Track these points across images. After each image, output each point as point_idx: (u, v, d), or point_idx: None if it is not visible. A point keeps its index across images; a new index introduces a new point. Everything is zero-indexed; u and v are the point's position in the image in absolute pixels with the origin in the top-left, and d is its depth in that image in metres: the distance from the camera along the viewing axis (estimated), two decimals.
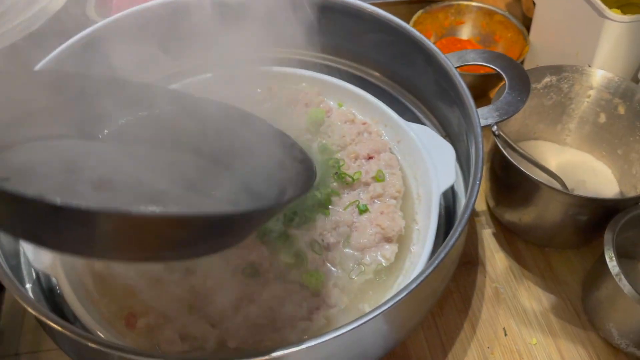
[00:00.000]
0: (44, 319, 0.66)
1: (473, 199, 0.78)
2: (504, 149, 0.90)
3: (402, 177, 0.97)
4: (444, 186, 0.90)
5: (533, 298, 0.94)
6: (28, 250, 0.82)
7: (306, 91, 1.08)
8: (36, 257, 0.81)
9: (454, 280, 0.96)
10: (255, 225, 0.63)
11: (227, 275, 0.81)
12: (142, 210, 0.44)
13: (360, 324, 0.66)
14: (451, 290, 0.95)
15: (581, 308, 0.92)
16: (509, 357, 0.87)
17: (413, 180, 0.97)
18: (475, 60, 1.00)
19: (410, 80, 1.08)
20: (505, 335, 0.90)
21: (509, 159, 0.89)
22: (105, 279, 0.84)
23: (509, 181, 0.94)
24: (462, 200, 0.95)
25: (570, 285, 0.95)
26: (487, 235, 1.03)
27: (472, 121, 0.87)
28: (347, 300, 0.82)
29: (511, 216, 0.99)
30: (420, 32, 1.00)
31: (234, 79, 1.05)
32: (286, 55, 1.11)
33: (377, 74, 1.13)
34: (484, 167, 1.01)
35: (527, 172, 0.87)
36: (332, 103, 1.07)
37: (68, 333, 0.65)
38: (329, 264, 0.85)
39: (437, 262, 0.71)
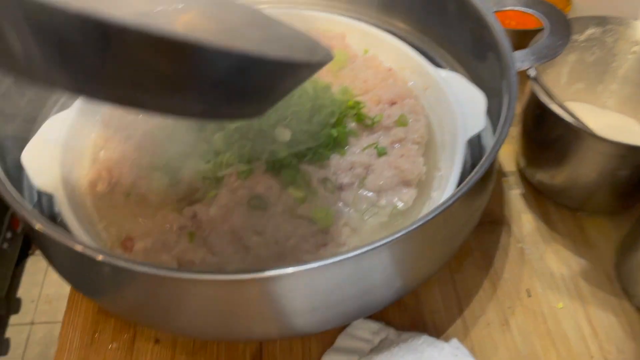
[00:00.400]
0: (36, 223, 0.62)
1: (503, 134, 0.71)
2: (540, 94, 0.82)
3: (427, 125, 0.91)
4: (471, 132, 0.83)
5: (561, 262, 0.87)
6: (29, 169, 0.78)
7: (331, 34, 1.03)
8: (37, 175, 0.78)
9: (476, 238, 0.90)
10: (285, 86, 0.56)
11: (232, 204, 0.76)
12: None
13: (365, 251, 0.60)
14: (472, 248, 0.88)
15: (614, 275, 0.84)
16: (531, 319, 0.80)
17: (438, 128, 0.91)
18: (514, 4, 0.94)
19: (440, 30, 1.02)
20: (529, 296, 0.82)
21: (545, 105, 0.82)
22: (106, 201, 0.80)
23: (543, 132, 0.87)
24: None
25: (602, 251, 0.88)
26: (514, 197, 0.96)
27: (506, 64, 0.81)
28: (358, 240, 0.76)
29: (543, 175, 0.92)
30: None
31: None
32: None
33: (402, 24, 1.07)
34: (517, 128, 0.94)
35: (564, 117, 0.79)
36: (357, 48, 1.02)
37: (63, 240, 0.60)
38: (341, 203, 0.80)
39: (456, 197, 0.65)
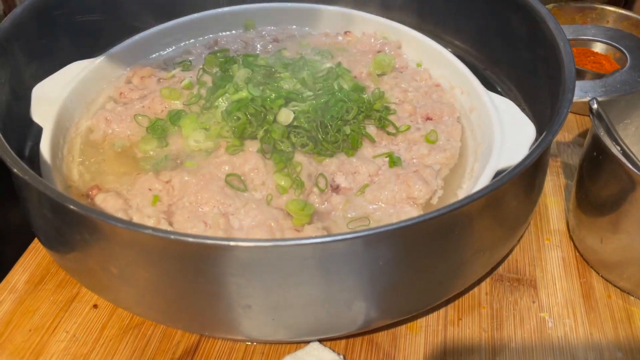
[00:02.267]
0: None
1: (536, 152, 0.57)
2: (601, 132, 0.67)
3: (461, 149, 0.78)
4: (506, 162, 0.69)
5: (592, 349, 0.68)
6: (34, 101, 0.76)
7: (386, 41, 0.94)
8: (36, 107, 0.76)
9: (490, 292, 0.74)
10: None
11: (208, 177, 0.68)
12: None
13: (334, 240, 0.50)
14: (480, 301, 0.73)
15: None
16: None
17: (472, 155, 0.77)
18: (596, 35, 0.80)
19: (502, 51, 0.90)
20: None
21: (605, 146, 0.66)
22: (94, 148, 0.76)
23: (601, 182, 0.71)
24: None
25: None
26: (554, 259, 0.79)
27: (565, 89, 0.67)
28: None
29: (593, 241, 0.75)
30: None
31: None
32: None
33: (457, 42, 0.95)
34: (574, 179, 0.79)
35: (629, 164, 0.63)
36: (410, 59, 0.92)
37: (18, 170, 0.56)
38: (327, 204, 0.69)
39: (461, 204, 0.52)
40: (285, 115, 0.72)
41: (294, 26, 1.00)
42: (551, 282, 0.76)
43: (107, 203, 0.67)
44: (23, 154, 0.77)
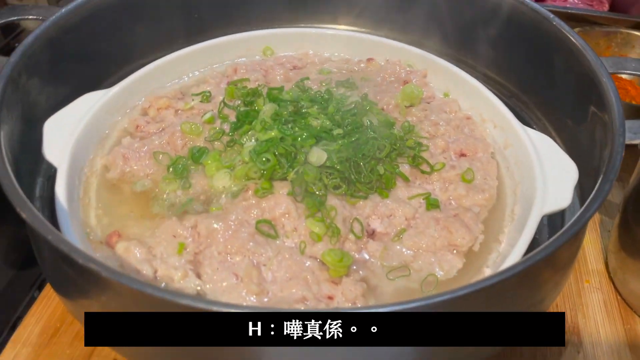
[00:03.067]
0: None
1: (591, 210, 0.54)
2: None
3: (498, 187, 0.74)
4: (551, 207, 0.66)
5: None
6: (46, 138, 0.72)
7: (412, 69, 0.90)
8: (49, 145, 0.71)
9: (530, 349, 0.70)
10: None
11: (237, 223, 0.64)
12: None
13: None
14: (521, 354, 0.69)
15: None
16: None
17: (511, 195, 0.74)
18: (638, 70, 0.76)
19: (536, 84, 0.87)
20: None
21: None
22: (111, 188, 0.72)
23: None
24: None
25: None
26: (595, 302, 0.75)
27: (614, 132, 0.64)
28: (373, 302, 0.61)
29: (638, 284, 0.71)
30: None
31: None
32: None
33: (491, 73, 0.92)
34: (612, 220, 0.75)
35: None
36: (437, 89, 0.89)
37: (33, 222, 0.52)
38: (365, 253, 0.65)
39: (513, 271, 0.48)
40: (318, 156, 0.68)
41: (311, 51, 0.97)
42: (594, 330, 0.72)
43: (130, 253, 0.62)
44: (33, 193, 0.73)
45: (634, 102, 0.99)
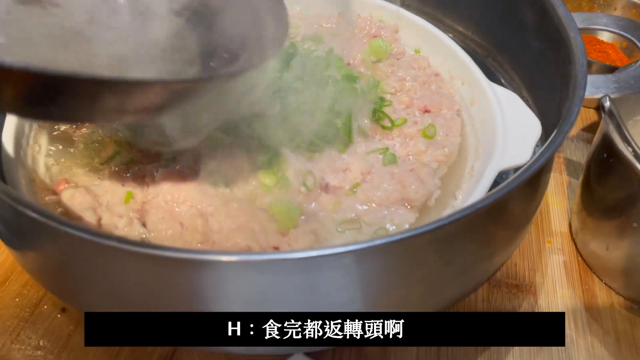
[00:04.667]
0: None
1: (541, 160, 0.52)
2: (612, 132, 0.62)
3: (461, 145, 0.73)
4: (510, 163, 0.64)
5: None
6: None
7: (383, 24, 0.88)
8: None
9: (487, 299, 0.70)
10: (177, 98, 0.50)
11: (187, 172, 0.63)
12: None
13: (319, 255, 0.44)
14: (475, 309, 0.68)
15: None
16: None
17: (472, 152, 0.72)
18: (608, 25, 0.74)
19: (507, 40, 0.84)
20: None
21: (616, 147, 0.61)
22: (63, 139, 0.70)
23: (609, 185, 0.66)
24: None
25: None
26: (555, 264, 0.74)
27: (576, 84, 0.62)
28: None
29: (597, 246, 0.70)
30: None
31: None
32: None
33: (460, 28, 0.90)
34: (579, 179, 0.74)
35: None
36: (407, 45, 0.86)
37: None
38: (315, 205, 0.64)
39: (461, 214, 0.47)
40: (273, 107, 0.66)
41: None
42: (552, 289, 0.71)
43: (74, 200, 0.61)
44: None
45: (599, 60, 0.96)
